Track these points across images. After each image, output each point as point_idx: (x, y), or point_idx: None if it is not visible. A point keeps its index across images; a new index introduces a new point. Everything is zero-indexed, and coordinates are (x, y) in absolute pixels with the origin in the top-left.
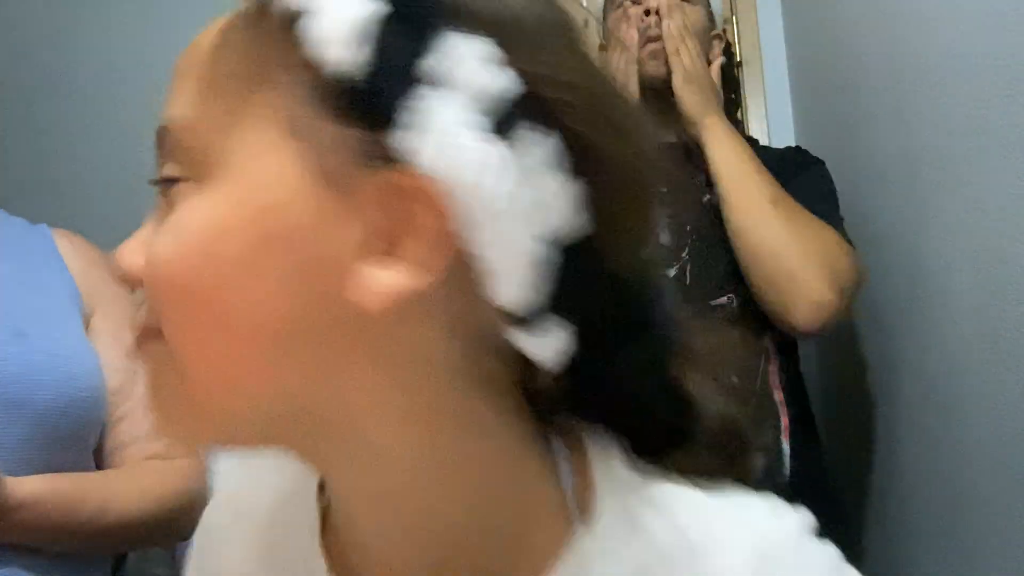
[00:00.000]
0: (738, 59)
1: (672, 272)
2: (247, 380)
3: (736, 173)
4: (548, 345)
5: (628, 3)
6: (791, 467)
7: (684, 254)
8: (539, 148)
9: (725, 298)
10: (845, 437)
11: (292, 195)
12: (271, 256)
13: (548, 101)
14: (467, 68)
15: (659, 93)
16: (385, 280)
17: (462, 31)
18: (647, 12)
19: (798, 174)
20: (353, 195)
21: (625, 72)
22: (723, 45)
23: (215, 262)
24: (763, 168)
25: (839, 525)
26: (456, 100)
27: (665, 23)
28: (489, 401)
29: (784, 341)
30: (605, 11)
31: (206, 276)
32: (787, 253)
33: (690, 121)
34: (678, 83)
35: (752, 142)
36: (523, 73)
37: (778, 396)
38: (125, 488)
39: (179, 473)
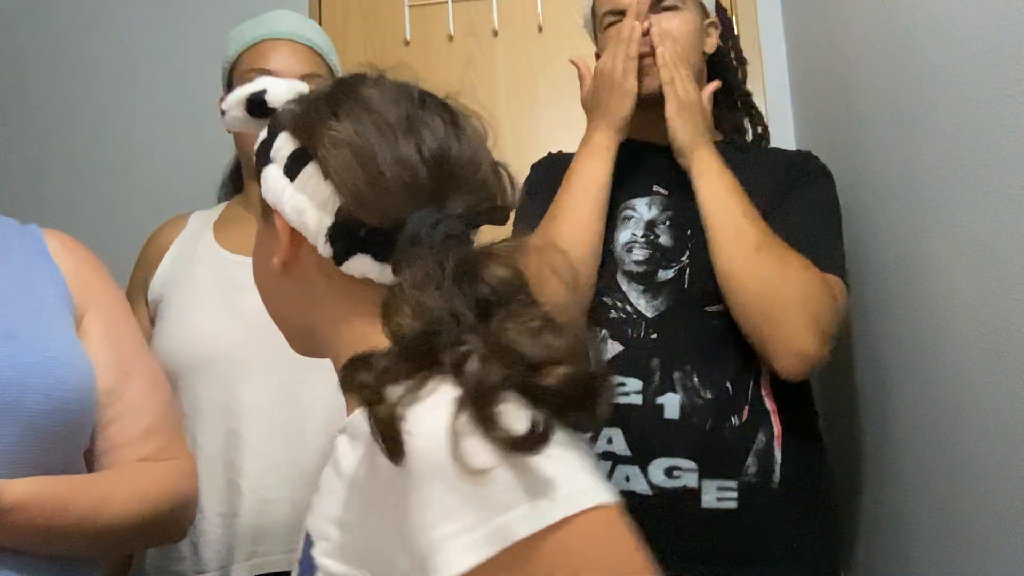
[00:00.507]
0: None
1: (670, 274)
2: (277, 312)
3: (722, 214)
4: (361, 268)
5: (611, 16)
6: (781, 474)
7: (684, 257)
8: (314, 177)
9: (721, 306)
10: (845, 437)
11: (262, 227)
12: (260, 255)
13: (319, 154)
14: (280, 149)
15: (655, 103)
16: (274, 257)
17: (283, 131)
18: (645, 33)
19: (804, 185)
20: (270, 222)
21: (624, 67)
22: (719, 31)
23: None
24: (749, 208)
25: (830, 533)
26: (276, 165)
27: (659, 51)
28: (361, 310)
29: None
30: (594, 27)
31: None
32: (770, 302)
33: (680, 152)
34: (671, 113)
35: (762, 140)
36: (306, 143)
37: (769, 404)
38: (117, 490)
39: (170, 475)
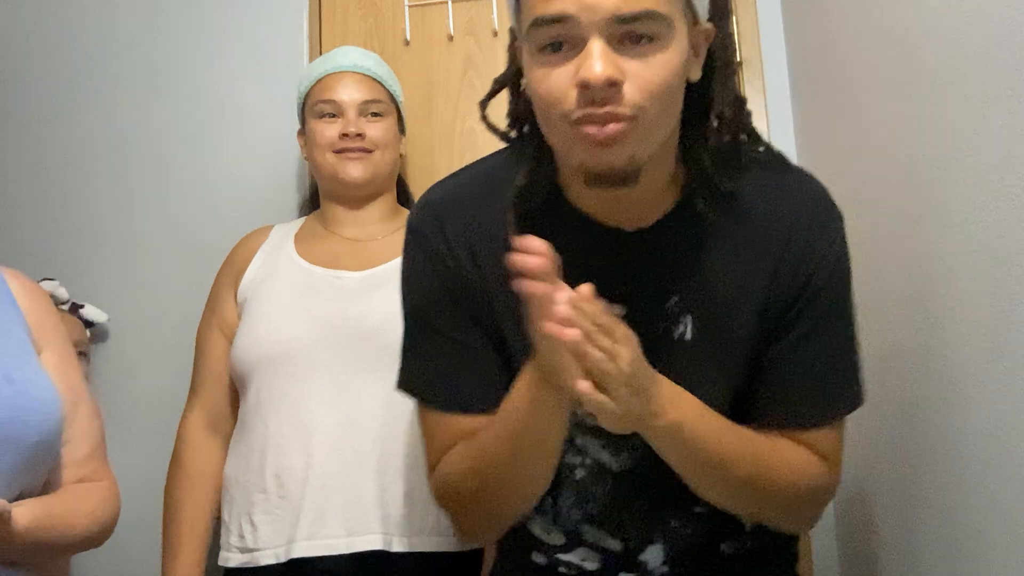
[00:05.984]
0: (738, 59)
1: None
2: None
3: (703, 471)
4: None
5: (543, 29)
6: None
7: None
8: None
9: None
10: (845, 437)
11: None
12: None
13: None
14: None
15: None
16: None
17: None
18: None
19: (821, 299)
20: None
21: (564, 371)
22: (710, 39)
23: None
24: (726, 444)
25: (792, 549)
26: None
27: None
28: None
29: None
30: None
31: None
32: (776, 514)
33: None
34: (611, 426)
35: (756, 138)
36: None
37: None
38: (79, 509)
39: (106, 495)
